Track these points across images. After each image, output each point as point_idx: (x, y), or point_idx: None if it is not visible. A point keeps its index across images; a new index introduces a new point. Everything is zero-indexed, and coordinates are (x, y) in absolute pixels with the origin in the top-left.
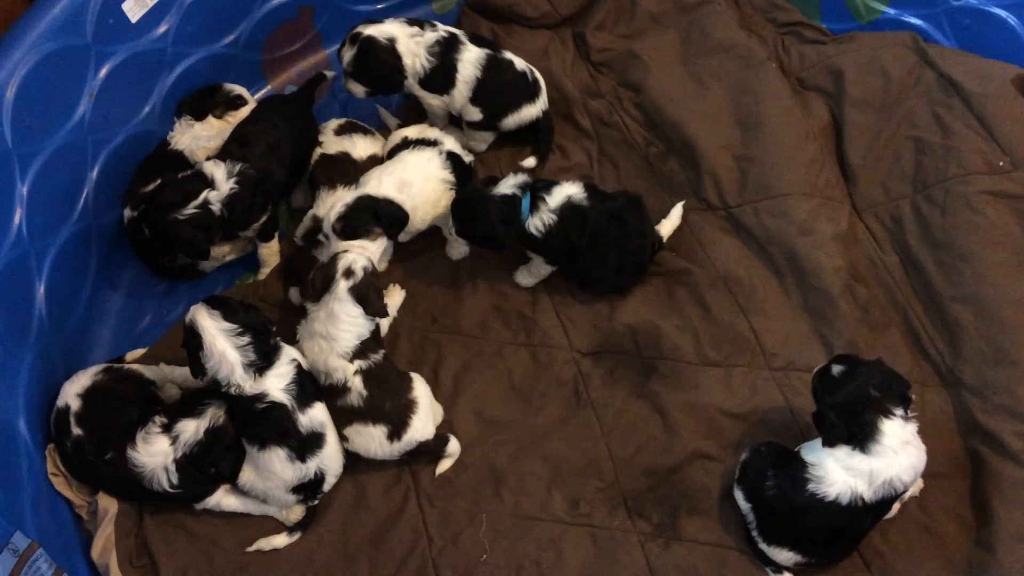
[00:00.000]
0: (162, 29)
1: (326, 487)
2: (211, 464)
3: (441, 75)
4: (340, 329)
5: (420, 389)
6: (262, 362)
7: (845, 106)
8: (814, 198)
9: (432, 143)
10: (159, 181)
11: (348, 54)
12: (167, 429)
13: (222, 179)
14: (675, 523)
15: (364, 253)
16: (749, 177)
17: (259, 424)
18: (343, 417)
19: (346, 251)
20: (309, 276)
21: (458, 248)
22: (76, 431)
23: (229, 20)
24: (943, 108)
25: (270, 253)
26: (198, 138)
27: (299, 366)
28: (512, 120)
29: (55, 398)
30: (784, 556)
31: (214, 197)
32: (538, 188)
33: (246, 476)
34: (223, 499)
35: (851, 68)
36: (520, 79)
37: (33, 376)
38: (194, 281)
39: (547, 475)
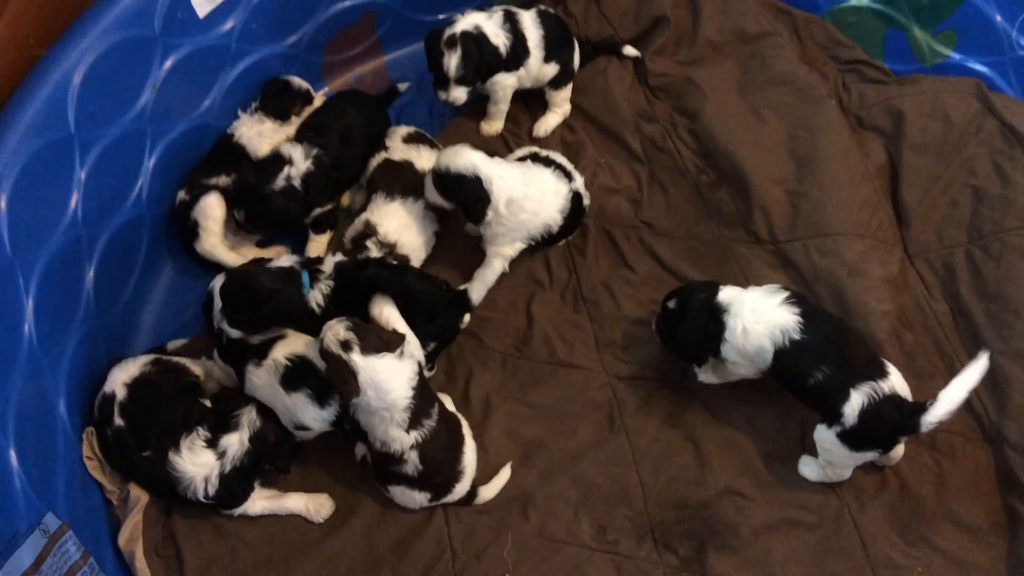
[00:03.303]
0: (228, 26)
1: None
2: (270, 462)
3: (517, 47)
4: (392, 389)
5: (469, 454)
6: None
7: (903, 148)
8: (866, 239)
9: (568, 177)
10: (223, 174)
11: (454, 57)
12: (212, 444)
13: (299, 159)
14: (702, 559)
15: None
16: (801, 213)
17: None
18: (393, 478)
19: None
20: (334, 386)
21: None
22: (119, 421)
23: (294, 21)
24: (1004, 158)
25: (318, 247)
26: (263, 133)
27: None
28: (576, 59)
29: (96, 382)
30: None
31: (294, 173)
32: (312, 263)
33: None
34: (250, 507)
35: (912, 110)
36: (558, 20)
37: (76, 359)
38: None
39: (575, 498)
